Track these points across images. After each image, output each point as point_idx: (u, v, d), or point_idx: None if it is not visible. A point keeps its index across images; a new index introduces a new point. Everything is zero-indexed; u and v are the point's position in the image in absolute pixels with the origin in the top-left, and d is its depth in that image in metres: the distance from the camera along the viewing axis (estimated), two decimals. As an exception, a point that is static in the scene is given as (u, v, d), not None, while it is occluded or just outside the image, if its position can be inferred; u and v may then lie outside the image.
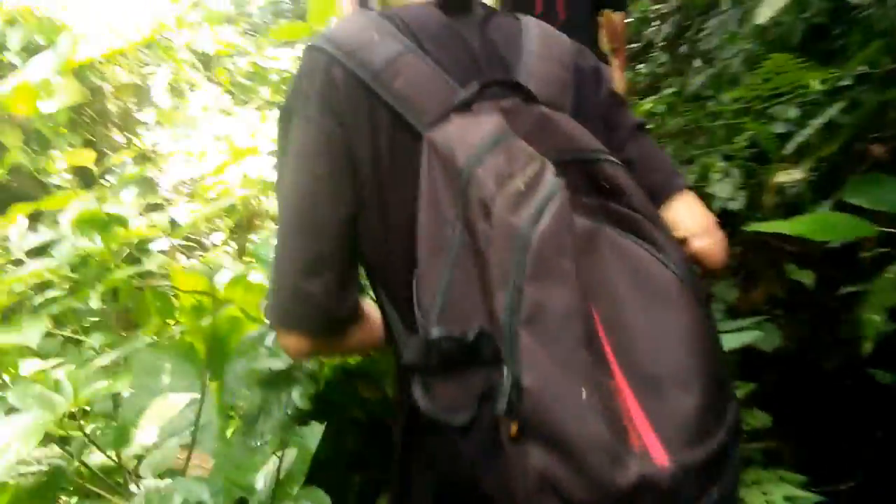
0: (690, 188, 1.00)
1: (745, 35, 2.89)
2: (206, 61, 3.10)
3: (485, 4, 0.98)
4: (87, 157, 1.74)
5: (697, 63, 4.11)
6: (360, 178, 0.85)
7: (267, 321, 0.92)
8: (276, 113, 2.77)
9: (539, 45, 0.94)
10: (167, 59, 2.62)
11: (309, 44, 0.91)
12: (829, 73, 2.03)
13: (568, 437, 0.61)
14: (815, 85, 2.08)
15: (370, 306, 0.98)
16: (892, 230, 1.42)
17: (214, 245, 2.54)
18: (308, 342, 0.89)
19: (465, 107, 0.82)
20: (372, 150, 0.85)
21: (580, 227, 0.74)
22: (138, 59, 2.59)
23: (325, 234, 0.86)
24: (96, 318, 1.75)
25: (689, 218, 0.96)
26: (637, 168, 0.95)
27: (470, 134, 0.78)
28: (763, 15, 1.42)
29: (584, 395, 0.62)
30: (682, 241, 0.94)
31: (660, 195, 0.96)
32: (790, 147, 1.81)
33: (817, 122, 1.67)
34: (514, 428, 0.63)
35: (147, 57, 2.66)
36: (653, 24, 4.47)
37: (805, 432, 1.97)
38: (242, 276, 1.67)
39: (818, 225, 1.37)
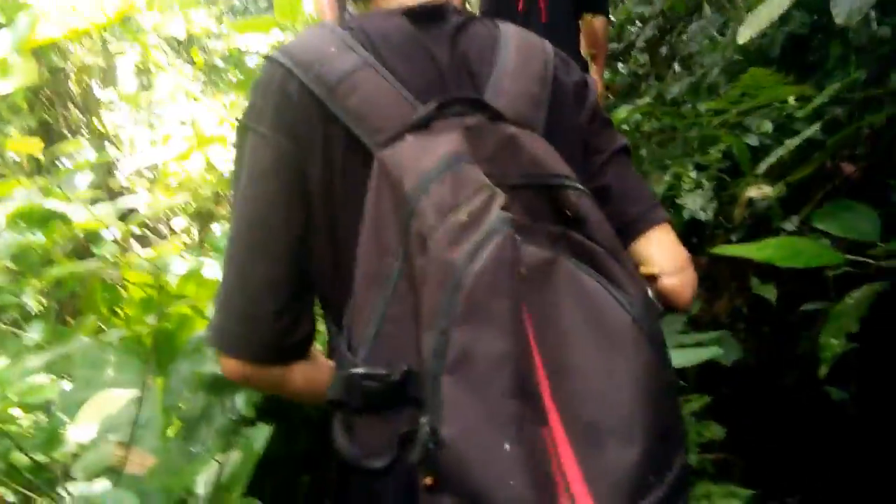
0: (667, 220, 0.96)
1: (726, 44, 2.88)
2: (180, 44, 3.02)
3: (461, 11, 0.92)
4: (33, 146, 1.67)
5: (677, 67, 4.11)
6: (312, 200, 0.82)
7: (208, 342, 0.88)
8: (245, 100, 2.70)
9: (515, 58, 0.88)
10: (134, 41, 2.54)
11: (267, 55, 0.87)
12: (807, 91, 2.03)
13: (486, 495, 0.58)
14: (793, 101, 2.07)
15: (323, 357, 0.93)
16: (858, 258, 1.40)
17: (174, 232, 2.47)
18: (249, 369, 0.85)
19: (422, 125, 0.78)
20: (324, 170, 0.81)
21: (535, 257, 0.70)
22: (103, 41, 2.51)
23: (276, 256, 0.82)
24: (40, 308, 1.69)
25: (662, 254, 0.93)
26: (614, 196, 0.92)
27: (422, 157, 0.73)
28: (744, 35, 1.40)
29: (507, 448, 0.58)
30: (653, 278, 0.90)
31: (636, 227, 0.93)
32: (763, 166, 1.80)
33: (794, 143, 1.65)
34: (428, 479, 0.60)
35: (113, 38, 2.58)
36: (635, 24, 4.45)
37: (758, 445, 1.97)
38: (196, 270, 1.61)
39: (785, 250, 1.36)
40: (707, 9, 3.06)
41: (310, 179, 0.81)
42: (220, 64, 3.80)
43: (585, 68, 2.53)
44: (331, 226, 0.82)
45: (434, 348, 0.62)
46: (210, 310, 1.53)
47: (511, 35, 0.92)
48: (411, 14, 0.88)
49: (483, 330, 0.62)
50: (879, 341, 1.52)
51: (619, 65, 4.61)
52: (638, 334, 0.69)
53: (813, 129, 1.69)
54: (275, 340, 0.84)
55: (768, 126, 2.22)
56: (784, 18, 2.62)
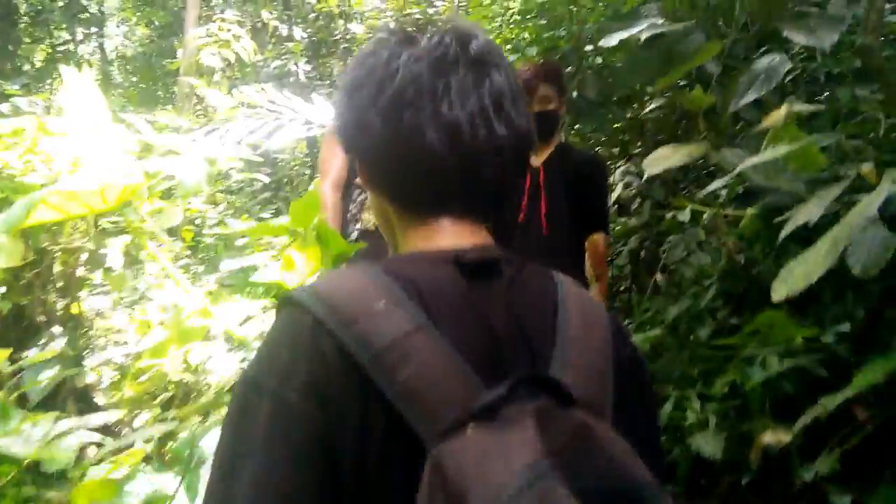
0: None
1: (722, 267, 2.91)
2: (173, 229, 2.99)
3: (512, 260, 0.80)
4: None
5: (659, 276, 4.16)
6: (342, 495, 0.65)
7: None
8: (234, 293, 2.61)
9: (577, 325, 0.77)
10: (128, 228, 2.49)
11: (291, 297, 0.72)
12: (815, 332, 2.00)
13: None
14: (800, 339, 2.04)
15: None
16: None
17: (133, 429, 2.25)
18: None
19: (487, 414, 0.63)
20: (357, 456, 0.65)
21: None
22: (96, 223, 2.46)
23: None
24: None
25: None
26: None
27: (492, 463, 0.59)
28: (778, 293, 1.38)
29: None
30: None
31: None
32: (799, 425, 1.69)
33: (834, 402, 1.56)
34: None
35: (106, 221, 2.54)
36: (619, 242, 4.54)
37: None
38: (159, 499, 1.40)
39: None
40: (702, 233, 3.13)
41: (342, 467, 0.65)
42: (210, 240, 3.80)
43: (586, 288, 2.50)
44: None
45: None
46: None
47: (570, 294, 0.80)
48: (463, 265, 0.75)
49: None
50: None
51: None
52: None
53: (856, 387, 1.58)
54: None
55: (775, 362, 2.16)
56: (780, 253, 2.67)
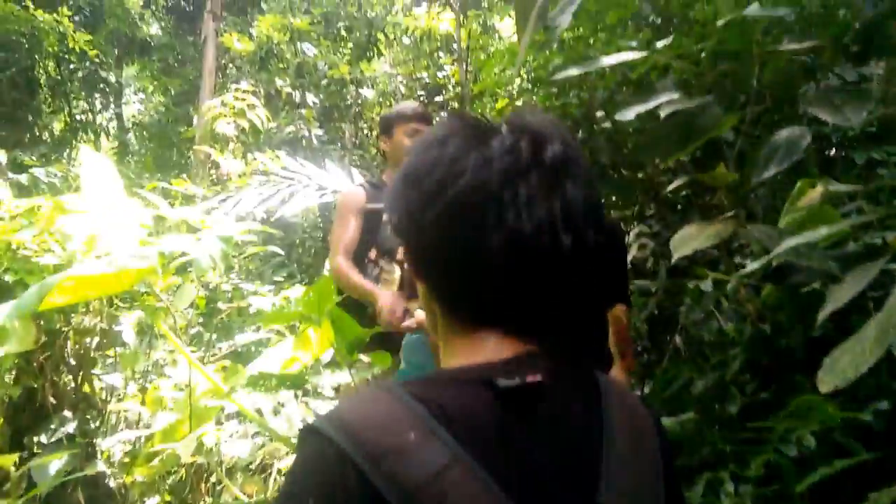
0: None
1: (744, 339, 2.83)
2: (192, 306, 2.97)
3: (551, 371, 0.72)
4: (5, 461, 1.48)
5: (678, 338, 4.07)
6: None
7: None
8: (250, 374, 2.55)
9: (625, 437, 0.72)
10: (142, 305, 2.47)
11: (315, 427, 0.67)
12: (855, 414, 1.93)
13: None
14: (837, 419, 1.96)
15: None
16: None
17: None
18: None
19: None
20: None
21: None
22: (111, 302, 2.44)
23: None
24: None
25: None
26: None
27: None
28: (826, 385, 1.31)
29: None
30: None
31: None
32: None
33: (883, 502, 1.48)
34: None
35: (120, 300, 2.52)
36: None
37: None
38: None
39: None
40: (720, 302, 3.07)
41: None
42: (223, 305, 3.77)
43: (611, 364, 2.42)
44: None
45: None
46: None
47: (614, 404, 0.74)
48: (499, 391, 0.68)
49: None
50: None
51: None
52: None
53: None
54: None
55: (811, 441, 2.07)
56: (807, 323, 2.60)
